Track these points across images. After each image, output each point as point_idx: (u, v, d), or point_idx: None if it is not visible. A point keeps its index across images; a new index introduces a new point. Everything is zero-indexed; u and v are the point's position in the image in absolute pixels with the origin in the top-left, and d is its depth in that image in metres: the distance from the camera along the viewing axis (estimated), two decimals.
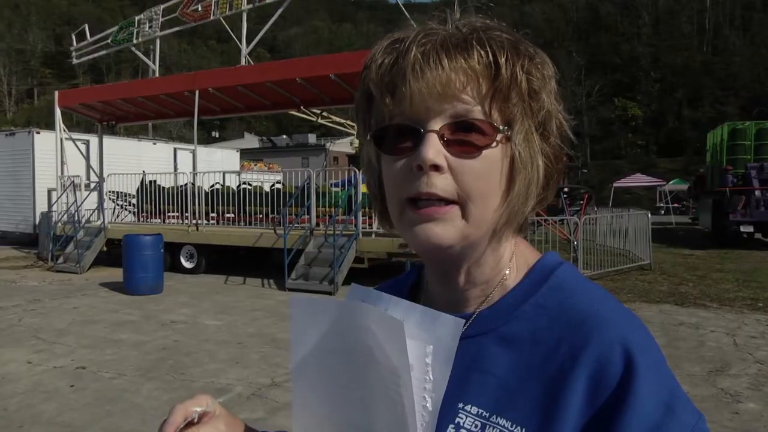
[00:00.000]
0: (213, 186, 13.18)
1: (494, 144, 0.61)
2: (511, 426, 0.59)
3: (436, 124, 0.60)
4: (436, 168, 0.60)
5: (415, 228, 0.62)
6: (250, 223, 12.11)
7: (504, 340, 0.63)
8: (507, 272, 0.68)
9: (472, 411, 0.62)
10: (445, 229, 0.61)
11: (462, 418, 0.62)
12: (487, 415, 0.61)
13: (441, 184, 0.60)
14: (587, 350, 0.59)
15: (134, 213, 14.45)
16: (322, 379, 0.66)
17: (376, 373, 0.60)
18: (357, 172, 10.74)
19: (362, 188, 10.64)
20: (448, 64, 0.59)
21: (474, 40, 0.61)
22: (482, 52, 0.60)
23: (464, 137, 0.60)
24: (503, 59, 0.60)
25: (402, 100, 0.61)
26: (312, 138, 53.41)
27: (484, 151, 0.60)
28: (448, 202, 0.60)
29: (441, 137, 0.60)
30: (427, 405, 0.59)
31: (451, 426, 0.62)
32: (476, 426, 0.61)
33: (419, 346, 0.59)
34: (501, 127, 0.61)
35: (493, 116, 0.61)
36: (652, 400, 0.56)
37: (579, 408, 0.57)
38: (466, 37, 0.61)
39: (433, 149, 0.59)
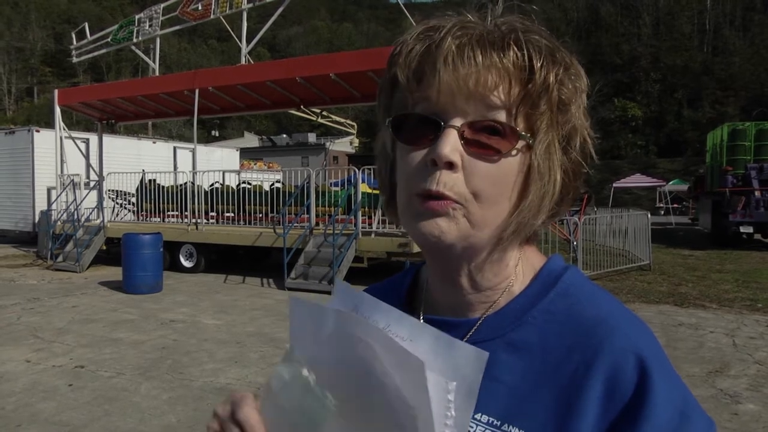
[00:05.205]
0: (212, 185, 13.17)
1: (514, 151, 0.59)
2: None
3: (458, 121, 0.59)
4: (450, 165, 0.58)
5: (420, 221, 0.60)
6: (249, 223, 12.09)
7: (513, 347, 0.62)
8: (513, 278, 0.66)
9: (482, 420, 0.60)
10: (449, 225, 0.59)
11: (472, 427, 0.61)
12: (498, 423, 0.60)
13: (452, 182, 0.58)
14: (600, 358, 0.58)
15: (134, 212, 14.44)
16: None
17: (382, 397, 0.56)
18: (356, 171, 10.74)
19: (362, 188, 10.65)
20: (482, 61, 0.57)
21: (511, 39, 0.59)
22: (518, 54, 0.58)
23: (485, 139, 0.58)
24: (539, 64, 0.58)
25: (428, 90, 0.59)
26: (312, 137, 53.47)
27: (503, 157, 0.59)
28: (455, 200, 0.59)
29: (461, 134, 0.58)
30: None
31: None
32: None
33: (439, 381, 0.54)
34: (524, 135, 0.59)
35: (518, 122, 0.59)
36: (668, 407, 0.55)
37: (594, 416, 0.56)
38: (504, 35, 0.59)
39: (450, 146, 0.58)
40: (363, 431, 0.58)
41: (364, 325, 0.56)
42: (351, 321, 0.57)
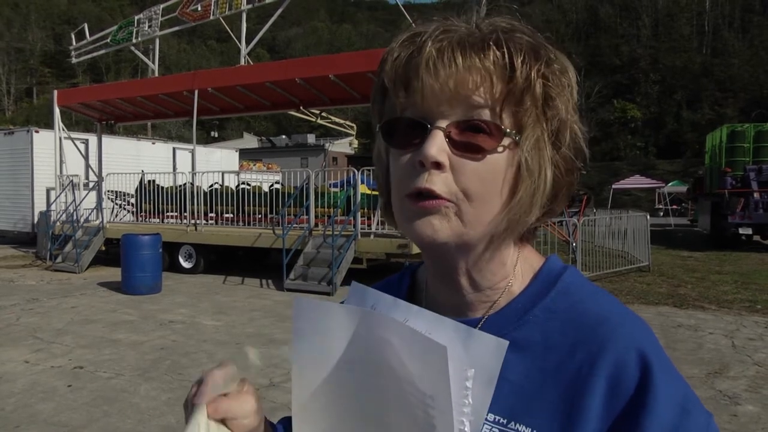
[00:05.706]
0: (212, 186, 13.18)
1: (500, 148, 0.60)
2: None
3: (444, 122, 0.60)
4: (438, 165, 0.59)
5: (412, 221, 0.61)
6: (248, 223, 12.10)
7: (516, 346, 0.62)
8: (512, 277, 0.67)
9: (489, 418, 0.61)
10: (441, 223, 0.60)
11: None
12: (505, 422, 0.60)
13: (441, 181, 0.59)
14: (604, 355, 0.59)
15: (133, 212, 14.45)
16: (330, 394, 0.62)
17: (397, 391, 0.57)
18: (356, 172, 10.74)
19: (361, 189, 10.65)
20: (462, 63, 0.58)
21: (492, 40, 0.59)
22: (498, 53, 0.59)
23: (470, 138, 0.59)
24: (519, 61, 0.59)
25: (414, 95, 0.60)
26: (311, 138, 53.46)
27: (489, 155, 0.59)
28: (446, 198, 0.60)
29: (447, 135, 0.59)
30: (465, 429, 0.56)
31: None
32: None
33: (458, 369, 0.55)
34: (509, 131, 0.60)
35: (504, 120, 0.60)
36: (670, 403, 0.57)
37: (598, 412, 0.57)
38: (484, 36, 0.60)
39: (437, 146, 0.59)
40: (378, 427, 0.58)
41: (383, 319, 0.56)
42: (368, 316, 0.57)
